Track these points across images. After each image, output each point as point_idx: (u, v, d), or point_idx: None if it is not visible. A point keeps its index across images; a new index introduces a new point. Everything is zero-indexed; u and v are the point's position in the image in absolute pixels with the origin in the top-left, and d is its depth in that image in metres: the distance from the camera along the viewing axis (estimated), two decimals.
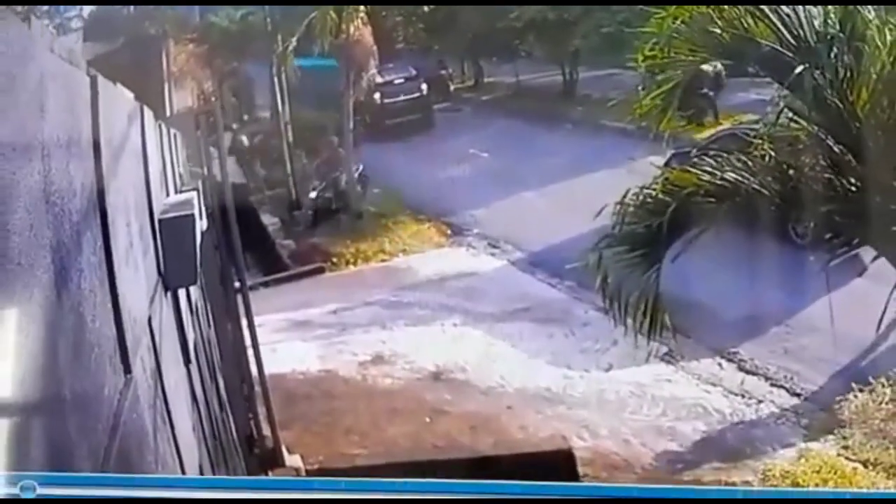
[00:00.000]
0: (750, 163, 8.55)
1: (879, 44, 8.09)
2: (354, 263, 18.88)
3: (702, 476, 10.52)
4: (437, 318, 15.16)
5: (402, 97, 26.36)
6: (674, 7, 8.57)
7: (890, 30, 8.16)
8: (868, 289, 9.68)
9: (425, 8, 27.55)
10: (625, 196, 8.92)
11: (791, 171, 8.48)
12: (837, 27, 8.23)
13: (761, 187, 8.41)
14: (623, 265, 8.94)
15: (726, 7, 8.37)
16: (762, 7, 8.21)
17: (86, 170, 3.54)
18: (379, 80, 27.28)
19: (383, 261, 18.53)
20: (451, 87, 28.85)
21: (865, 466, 10.11)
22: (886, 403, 9.95)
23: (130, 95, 6.62)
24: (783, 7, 8.16)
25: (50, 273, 2.69)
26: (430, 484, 2.00)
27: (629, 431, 11.70)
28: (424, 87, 26.76)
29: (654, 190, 8.67)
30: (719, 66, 17.30)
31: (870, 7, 8.35)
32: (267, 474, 9.88)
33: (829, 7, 8.30)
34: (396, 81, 27.18)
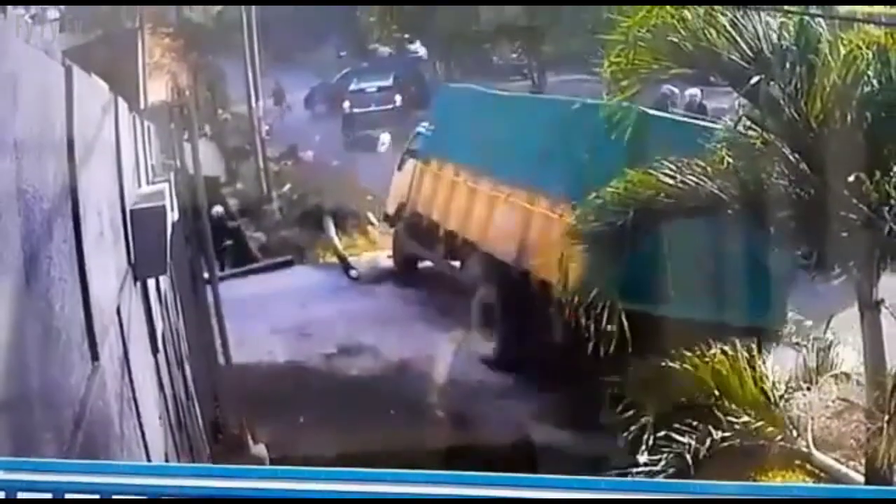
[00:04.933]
0: (709, 168, 8.65)
1: (832, 58, 8.22)
2: (325, 257, 18.83)
3: None
4: (406, 313, 15.14)
5: (373, 107, 24.92)
6: (639, 16, 8.65)
7: (843, 45, 8.30)
8: (822, 290, 9.82)
9: (400, 7, 27.34)
10: (587, 196, 8.98)
11: (748, 177, 8.59)
12: (792, 40, 8.35)
13: (719, 191, 8.51)
14: (583, 263, 9.01)
15: (689, 17, 8.45)
16: (722, 19, 8.31)
17: (58, 159, 3.50)
18: (352, 87, 26.59)
19: (353, 255, 18.48)
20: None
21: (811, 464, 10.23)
22: (833, 401, 10.10)
23: (105, 87, 6.54)
24: (742, 20, 8.27)
25: (19, 260, 2.65)
26: (396, 474, 2.00)
27: None
28: (398, 98, 25.48)
29: (616, 190, 8.74)
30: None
31: (823, 22, 8.49)
32: (232, 463, 9.83)
33: (785, 20, 8.42)
34: (368, 90, 25.97)
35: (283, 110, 26.38)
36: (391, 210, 17.62)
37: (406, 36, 29.26)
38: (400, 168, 17.37)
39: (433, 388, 12.59)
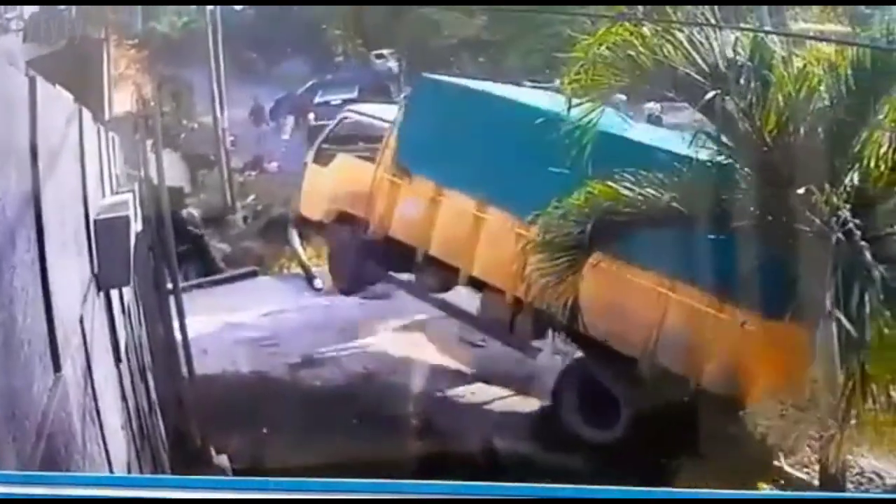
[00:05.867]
0: (666, 180, 8.76)
1: (785, 74, 8.38)
2: (289, 268, 18.72)
3: None
4: (370, 323, 15.10)
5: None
6: (599, 33, 8.74)
7: (796, 61, 8.47)
8: None
9: (364, 21, 27.38)
10: (547, 206, 9.04)
11: (704, 189, 8.71)
12: (747, 57, 8.49)
13: (675, 203, 8.63)
14: (544, 272, 9.07)
15: (647, 34, 8.56)
16: (679, 35, 8.42)
17: (21, 169, 3.45)
18: (317, 99, 26.67)
19: (317, 266, 18.39)
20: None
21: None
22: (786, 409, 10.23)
23: (70, 97, 6.46)
24: (698, 36, 8.39)
25: None
26: (359, 484, 1.99)
27: None
28: None
29: (577, 201, 8.81)
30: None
31: (776, 38, 8.65)
32: (194, 474, 9.71)
33: (740, 36, 8.57)
34: (333, 102, 26.11)
35: (262, 130, 26.06)
36: (315, 214, 14.91)
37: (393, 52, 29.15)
38: (320, 161, 14.74)
39: (398, 397, 12.54)
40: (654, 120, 16.74)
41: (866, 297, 7.61)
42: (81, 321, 4.47)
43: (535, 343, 12.04)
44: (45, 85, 4.35)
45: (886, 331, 7.56)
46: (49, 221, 3.72)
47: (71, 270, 4.46)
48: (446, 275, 12.82)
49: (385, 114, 14.54)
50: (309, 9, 29.34)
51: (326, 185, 14.48)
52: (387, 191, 13.28)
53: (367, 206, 13.58)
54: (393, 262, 13.75)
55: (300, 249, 18.92)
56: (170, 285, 11.03)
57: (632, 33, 8.57)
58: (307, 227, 15.64)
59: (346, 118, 14.90)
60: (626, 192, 8.65)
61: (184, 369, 11.10)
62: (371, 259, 14.01)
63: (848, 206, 7.88)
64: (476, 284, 12.46)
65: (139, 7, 29.30)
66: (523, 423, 11.99)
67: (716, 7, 8.81)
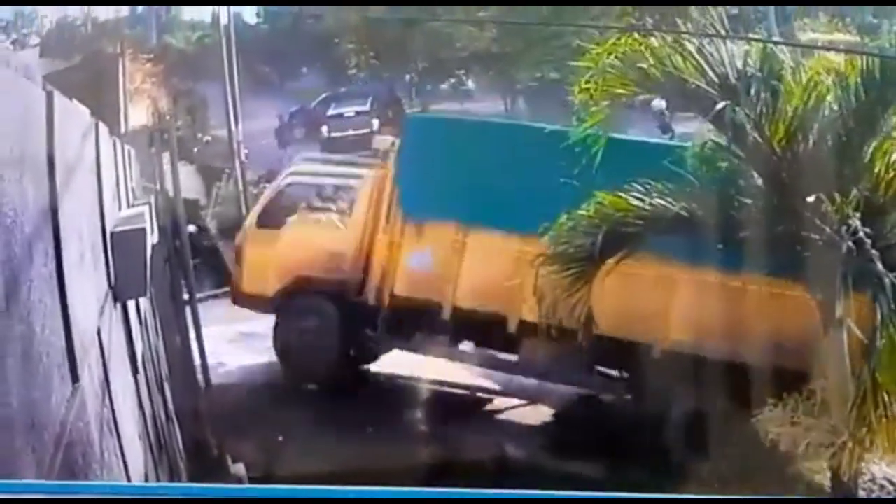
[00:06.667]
0: (676, 189, 8.73)
1: (794, 84, 8.36)
2: None
3: None
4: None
5: (350, 131, 24.81)
6: (608, 43, 8.74)
7: (804, 71, 8.45)
8: None
9: (376, 34, 27.56)
10: (558, 218, 9.01)
11: (714, 198, 8.68)
12: (756, 67, 8.48)
13: (685, 212, 8.59)
14: (556, 284, 9.03)
15: (656, 44, 8.55)
16: (688, 46, 8.41)
17: (39, 183, 3.47)
18: (330, 112, 26.77)
19: None
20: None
21: None
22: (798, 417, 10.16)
23: (86, 111, 6.51)
24: (707, 46, 8.38)
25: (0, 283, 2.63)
26: (375, 492, 1.99)
27: None
28: (376, 122, 25.59)
29: (587, 213, 8.78)
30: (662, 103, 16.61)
31: (785, 49, 8.61)
32: (211, 482, 9.71)
33: (749, 47, 8.55)
34: (347, 114, 26.19)
35: (286, 151, 25.96)
36: (267, 288, 12.64)
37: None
38: (272, 223, 12.69)
39: (413, 405, 12.51)
40: (658, 116, 16.73)
41: (877, 306, 7.56)
42: (99, 333, 4.49)
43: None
44: (62, 99, 4.38)
45: None
46: (66, 234, 3.75)
47: (88, 283, 4.48)
48: (479, 325, 11.52)
49: (337, 170, 13.28)
50: (322, 22, 29.51)
51: (284, 251, 12.51)
52: (386, 245, 11.97)
53: (354, 266, 12.12)
54: (400, 324, 12.13)
55: None
56: (186, 296, 11.08)
57: (640, 43, 8.57)
58: (253, 305, 13.07)
59: (289, 184, 13.12)
60: (635, 202, 8.62)
61: (200, 379, 11.14)
62: (367, 327, 12.32)
63: (858, 214, 7.84)
64: (525, 331, 10.91)
65: (154, 22, 29.55)
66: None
67: (724, 17, 8.81)
